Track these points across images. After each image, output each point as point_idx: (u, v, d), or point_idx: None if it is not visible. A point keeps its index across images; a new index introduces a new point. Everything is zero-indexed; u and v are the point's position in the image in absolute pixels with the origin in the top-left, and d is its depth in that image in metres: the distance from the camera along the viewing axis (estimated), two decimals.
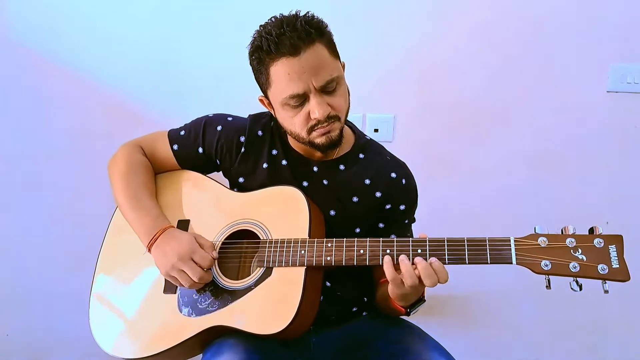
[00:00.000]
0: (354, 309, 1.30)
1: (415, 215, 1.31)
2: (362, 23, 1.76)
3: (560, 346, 1.97)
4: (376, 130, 1.81)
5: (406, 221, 1.29)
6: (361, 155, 1.27)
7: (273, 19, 1.11)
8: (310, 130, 1.13)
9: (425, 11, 1.75)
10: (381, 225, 1.27)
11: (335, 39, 1.13)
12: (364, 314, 1.31)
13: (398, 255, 1.04)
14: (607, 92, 1.80)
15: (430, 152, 1.83)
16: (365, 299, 1.31)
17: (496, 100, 1.81)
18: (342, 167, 1.25)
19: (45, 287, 1.92)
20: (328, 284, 1.23)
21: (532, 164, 1.84)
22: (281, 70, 1.07)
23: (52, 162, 1.85)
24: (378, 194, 1.23)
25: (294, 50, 1.05)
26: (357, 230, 1.25)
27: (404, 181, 1.25)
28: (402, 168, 1.28)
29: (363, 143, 1.29)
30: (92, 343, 1.22)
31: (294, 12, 1.10)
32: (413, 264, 1.02)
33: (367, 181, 1.24)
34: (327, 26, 1.12)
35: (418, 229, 1.29)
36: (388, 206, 1.25)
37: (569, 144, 1.83)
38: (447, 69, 1.79)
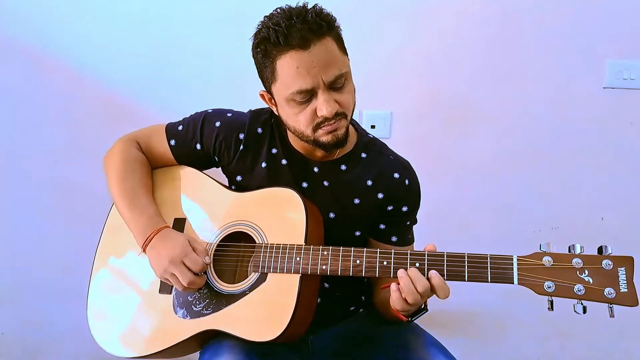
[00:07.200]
0: (352, 308, 1.23)
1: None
2: (358, 20, 1.63)
3: None
4: (373, 127, 1.70)
5: (408, 222, 1.19)
6: (363, 155, 1.16)
7: (279, 10, 0.98)
8: (316, 128, 1.02)
9: (422, 8, 1.63)
10: (382, 226, 1.16)
11: None
12: (361, 311, 1.24)
13: (395, 268, 0.95)
14: (604, 88, 1.69)
15: (427, 149, 1.73)
16: (363, 297, 1.24)
17: (493, 96, 1.70)
18: (343, 167, 1.14)
19: (40, 284, 1.82)
20: (326, 285, 1.15)
21: (528, 159, 1.74)
22: (289, 64, 0.95)
23: (48, 158, 1.73)
24: (380, 196, 1.13)
25: (304, 43, 0.93)
26: (357, 233, 1.16)
27: (407, 182, 1.15)
28: (405, 168, 1.17)
29: (365, 142, 1.17)
30: (88, 340, 1.15)
31: (301, 4, 0.98)
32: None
33: (369, 182, 1.13)
34: (336, 20, 1.00)
35: (415, 226, 1.21)
36: (390, 207, 1.14)
37: (565, 140, 1.73)
38: (444, 65, 1.68)
